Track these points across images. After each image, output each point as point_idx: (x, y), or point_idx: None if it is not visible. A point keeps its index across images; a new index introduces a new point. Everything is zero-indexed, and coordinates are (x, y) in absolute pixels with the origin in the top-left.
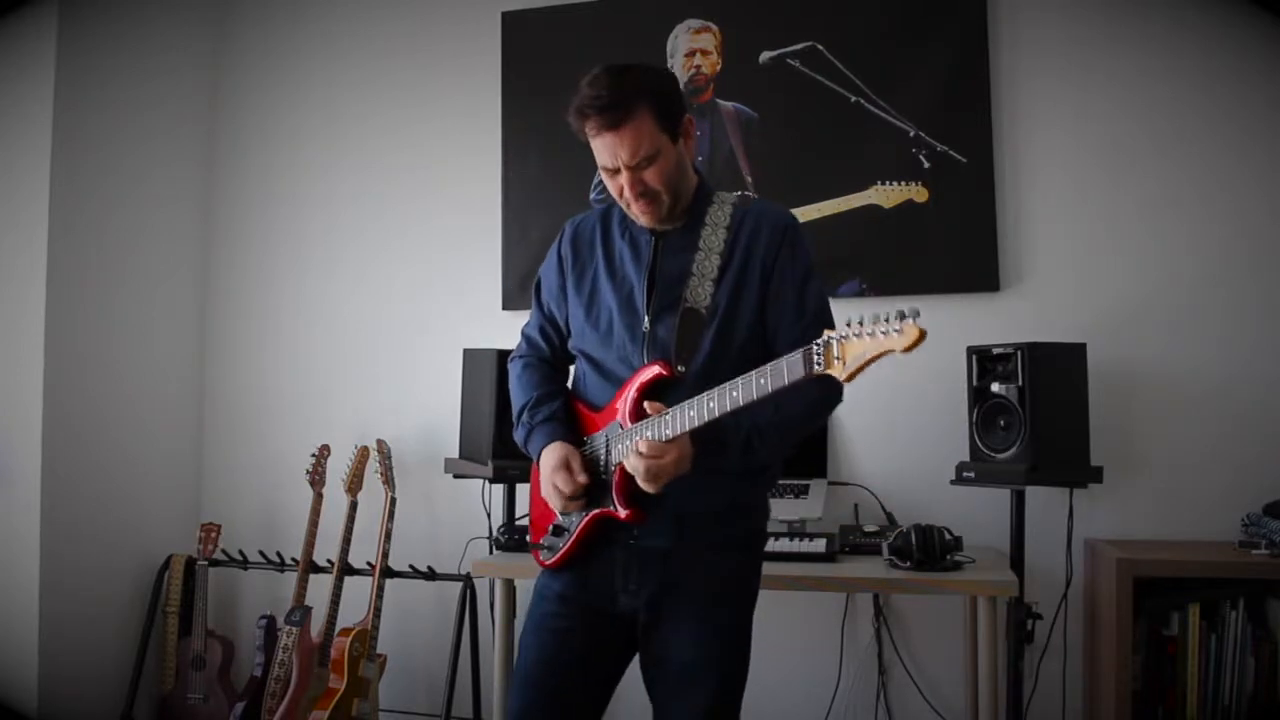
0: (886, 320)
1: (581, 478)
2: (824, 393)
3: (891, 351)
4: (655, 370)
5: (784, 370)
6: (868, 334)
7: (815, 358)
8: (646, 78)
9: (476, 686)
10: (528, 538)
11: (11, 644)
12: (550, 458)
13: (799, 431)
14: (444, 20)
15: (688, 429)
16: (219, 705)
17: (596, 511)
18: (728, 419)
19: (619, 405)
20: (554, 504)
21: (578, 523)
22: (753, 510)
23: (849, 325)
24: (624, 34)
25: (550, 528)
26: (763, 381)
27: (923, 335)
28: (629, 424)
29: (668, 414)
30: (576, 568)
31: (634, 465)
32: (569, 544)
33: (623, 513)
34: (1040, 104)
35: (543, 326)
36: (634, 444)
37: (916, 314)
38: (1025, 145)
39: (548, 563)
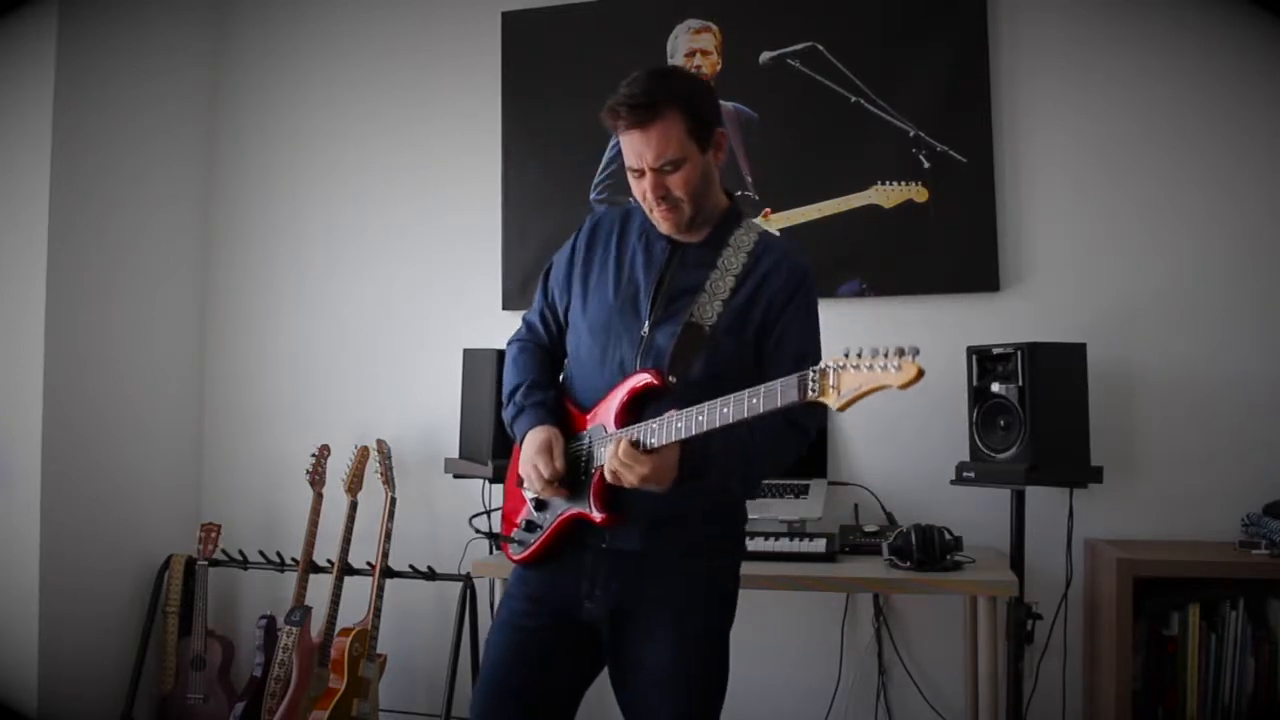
0: (885, 355)
1: (559, 463)
2: (799, 435)
3: (888, 387)
4: (646, 379)
5: (777, 393)
6: (865, 366)
7: (811, 384)
8: (682, 83)
9: None
10: (499, 529)
11: (11, 644)
12: (535, 438)
13: (773, 472)
14: (444, 20)
15: (673, 440)
16: (219, 705)
17: (572, 512)
18: (717, 452)
19: (605, 409)
20: (530, 484)
21: (551, 521)
22: (729, 513)
23: (847, 356)
24: (624, 34)
25: (523, 522)
26: (754, 401)
27: (920, 374)
28: (614, 428)
29: (654, 423)
30: (546, 567)
31: (609, 464)
32: (540, 540)
33: (598, 516)
34: (1040, 104)
35: (543, 312)
36: (614, 446)
37: (916, 352)
38: (1025, 145)
39: (517, 557)
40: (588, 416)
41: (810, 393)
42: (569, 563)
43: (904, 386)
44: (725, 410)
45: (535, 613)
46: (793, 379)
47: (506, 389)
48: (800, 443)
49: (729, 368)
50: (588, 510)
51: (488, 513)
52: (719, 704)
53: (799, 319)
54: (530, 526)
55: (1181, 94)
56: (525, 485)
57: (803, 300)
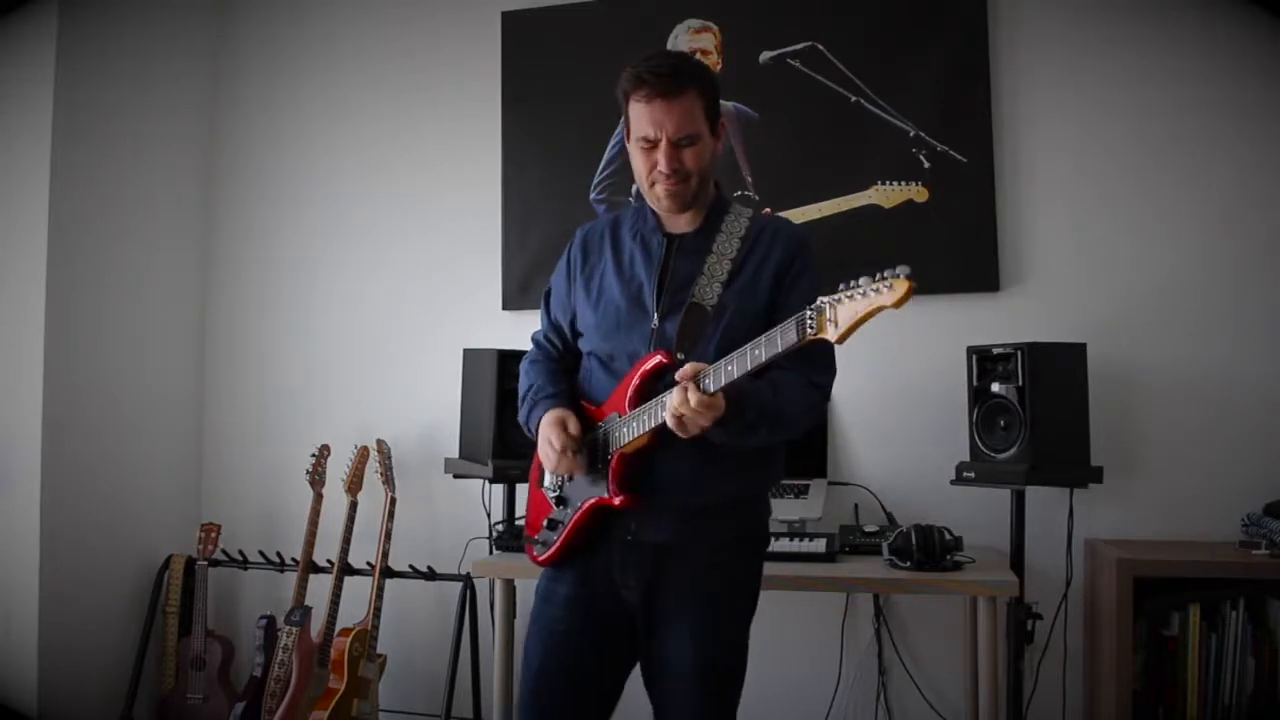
0: (875, 278)
1: (573, 428)
2: (815, 391)
3: (883, 308)
4: (657, 359)
5: (777, 337)
6: (859, 294)
7: (808, 323)
8: (700, 67)
9: (476, 686)
10: (523, 534)
11: (11, 644)
12: (547, 420)
13: (801, 424)
14: (444, 20)
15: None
16: (219, 705)
17: (592, 501)
18: (749, 391)
19: (618, 397)
20: (548, 462)
21: (572, 515)
22: (753, 505)
23: (841, 288)
24: (624, 34)
25: (545, 522)
26: (756, 352)
27: (911, 289)
28: (627, 411)
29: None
30: (575, 565)
31: (673, 410)
32: (562, 536)
33: (616, 499)
34: (1040, 104)
35: (548, 334)
36: (680, 394)
37: (908, 272)
38: (1025, 145)
39: (541, 558)
40: (602, 409)
41: (808, 330)
42: (599, 558)
43: (898, 304)
44: (730, 368)
45: (570, 613)
46: (790, 321)
47: (519, 398)
48: (819, 400)
49: (739, 344)
50: (606, 495)
51: (489, 526)
52: (738, 695)
53: (806, 278)
54: (553, 524)
55: (1181, 95)
56: (544, 472)
57: (804, 264)
